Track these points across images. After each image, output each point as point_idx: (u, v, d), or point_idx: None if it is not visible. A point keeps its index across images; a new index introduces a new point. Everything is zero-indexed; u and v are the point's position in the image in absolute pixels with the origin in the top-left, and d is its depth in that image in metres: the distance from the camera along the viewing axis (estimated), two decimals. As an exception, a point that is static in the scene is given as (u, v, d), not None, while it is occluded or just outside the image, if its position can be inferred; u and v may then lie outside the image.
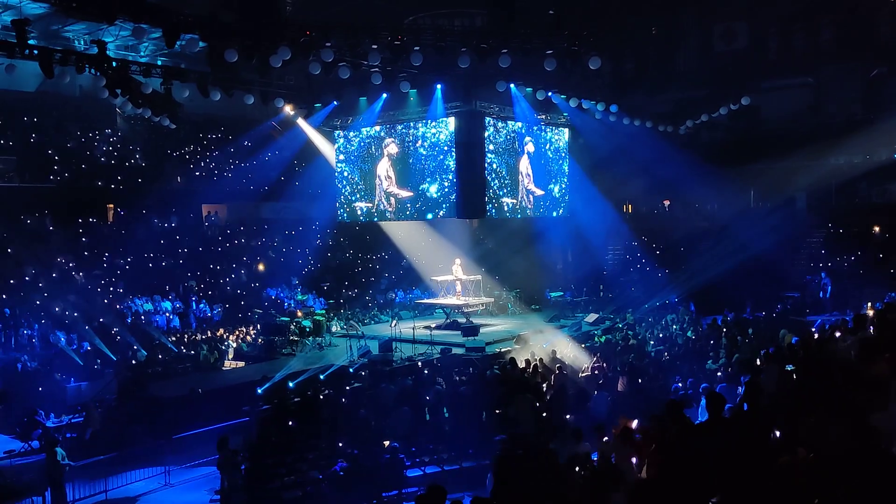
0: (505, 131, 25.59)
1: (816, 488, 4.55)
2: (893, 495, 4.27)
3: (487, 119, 24.64)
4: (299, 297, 26.60)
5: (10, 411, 16.61)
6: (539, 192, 27.16)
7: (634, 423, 8.21)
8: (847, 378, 7.21)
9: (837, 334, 11.47)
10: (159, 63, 22.26)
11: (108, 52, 19.19)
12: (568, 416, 13.19)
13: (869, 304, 17.67)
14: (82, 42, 20.88)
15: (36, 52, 17.90)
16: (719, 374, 14.94)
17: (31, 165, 25.23)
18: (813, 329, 16.25)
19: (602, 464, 6.98)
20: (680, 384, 14.12)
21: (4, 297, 20.95)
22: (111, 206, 27.28)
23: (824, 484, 4.52)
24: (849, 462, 4.57)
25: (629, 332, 20.55)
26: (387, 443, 13.22)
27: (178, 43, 18.04)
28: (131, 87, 20.04)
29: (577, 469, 6.99)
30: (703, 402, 10.83)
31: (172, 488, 14.08)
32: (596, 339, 20.83)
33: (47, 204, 24.82)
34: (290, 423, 14.20)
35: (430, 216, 25.65)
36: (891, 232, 25.57)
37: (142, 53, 22.83)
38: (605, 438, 9.23)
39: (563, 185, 28.33)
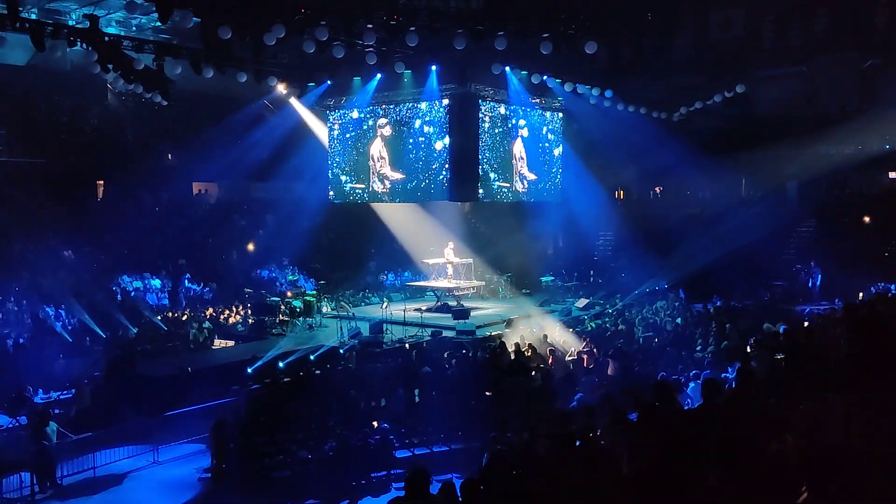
0: (499, 114, 25.49)
1: (805, 475, 4.59)
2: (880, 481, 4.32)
3: (482, 101, 24.52)
4: (290, 277, 26.54)
5: (-2, 387, 16.56)
6: (532, 176, 27.09)
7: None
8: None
9: (827, 323, 11.57)
10: (151, 39, 22.02)
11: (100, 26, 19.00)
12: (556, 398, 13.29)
13: (861, 294, 17.82)
14: (74, 16, 20.63)
15: (27, 24, 17.66)
16: (707, 361, 15.03)
17: (21, 140, 24.96)
18: (803, 317, 16.39)
19: (591, 447, 7.01)
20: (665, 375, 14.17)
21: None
22: (101, 182, 27.09)
23: (813, 471, 4.56)
24: (836, 449, 4.61)
25: (618, 318, 20.63)
26: (376, 423, 13.27)
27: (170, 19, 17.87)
28: (123, 63, 19.82)
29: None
30: (692, 387, 10.91)
31: (160, 466, 14.09)
32: (587, 323, 20.92)
33: (37, 179, 24.57)
34: (280, 402, 14.22)
35: (421, 198, 25.57)
36: (881, 222, 25.71)
37: (134, 28, 22.57)
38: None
39: (557, 170, 28.28)
